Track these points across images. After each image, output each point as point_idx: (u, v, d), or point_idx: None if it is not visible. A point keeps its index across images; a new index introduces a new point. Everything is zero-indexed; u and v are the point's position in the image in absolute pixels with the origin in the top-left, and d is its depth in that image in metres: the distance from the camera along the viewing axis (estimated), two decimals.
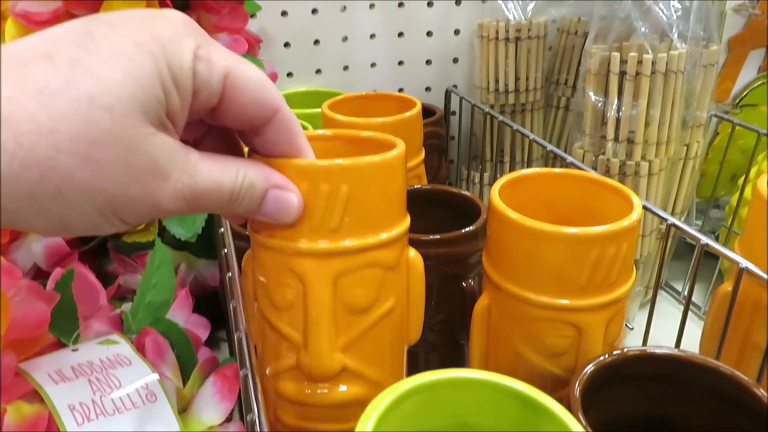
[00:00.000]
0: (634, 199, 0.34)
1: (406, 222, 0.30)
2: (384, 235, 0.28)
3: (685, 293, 0.59)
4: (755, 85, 0.59)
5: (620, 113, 0.48)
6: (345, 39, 0.66)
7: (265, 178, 0.25)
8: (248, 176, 0.24)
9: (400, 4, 0.66)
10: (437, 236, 0.42)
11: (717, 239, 0.66)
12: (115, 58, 0.20)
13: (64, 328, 0.34)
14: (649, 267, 0.60)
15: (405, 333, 0.33)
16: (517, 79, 0.64)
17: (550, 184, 0.38)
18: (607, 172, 0.50)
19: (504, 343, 0.37)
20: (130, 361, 0.32)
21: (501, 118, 0.58)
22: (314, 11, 0.64)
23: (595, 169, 0.50)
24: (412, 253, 0.31)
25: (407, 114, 0.50)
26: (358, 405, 0.28)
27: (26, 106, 0.18)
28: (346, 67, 0.67)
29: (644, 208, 0.40)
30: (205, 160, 0.23)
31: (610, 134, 0.49)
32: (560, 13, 0.66)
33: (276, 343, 0.31)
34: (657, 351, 0.30)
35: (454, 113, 0.72)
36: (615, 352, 0.31)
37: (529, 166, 0.64)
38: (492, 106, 0.65)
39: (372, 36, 0.67)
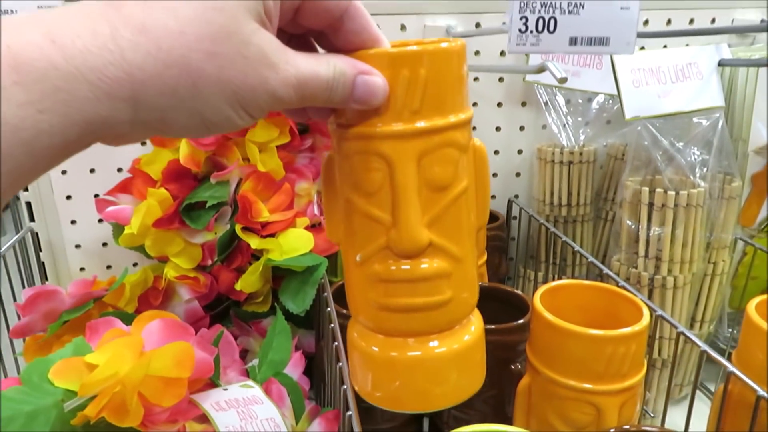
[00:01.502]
0: (645, 310, 0.45)
1: (471, 111, 0.33)
2: (456, 118, 0.31)
3: (714, 390, 0.67)
4: None
5: (649, 235, 0.58)
6: None
7: (352, 66, 0.28)
8: (338, 66, 0.28)
9: (473, 128, 0.80)
10: (492, 326, 0.53)
11: None
12: None
13: (215, 373, 0.46)
14: (681, 366, 0.68)
15: (475, 215, 0.35)
16: (569, 194, 0.75)
17: (582, 293, 0.49)
18: (638, 283, 0.60)
19: (540, 416, 0.47)
20: (262, 401, 0.44)
21: (552, 229, 0.69)
22: None
23: (628, 279, 0.60)
24: (478, 142, 0.35)
25: None
26: (443, 278, 0.33)
27: (157, 15, 0.23)
28: None
29: (660, 317, 0.50)
30: (300, 55, 0.27)
31: (641, 252, 0.59)
32: (610, 140, 0.78)
33: (366, 227, 0.33)
34: (646, 428, 0.40)
35: (515, 218, 0.83)
36: (625, 427, 0.41)
37: (578, 269, 0.75)
38: (547, 216, 0.77)
39: None
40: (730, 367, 0.43)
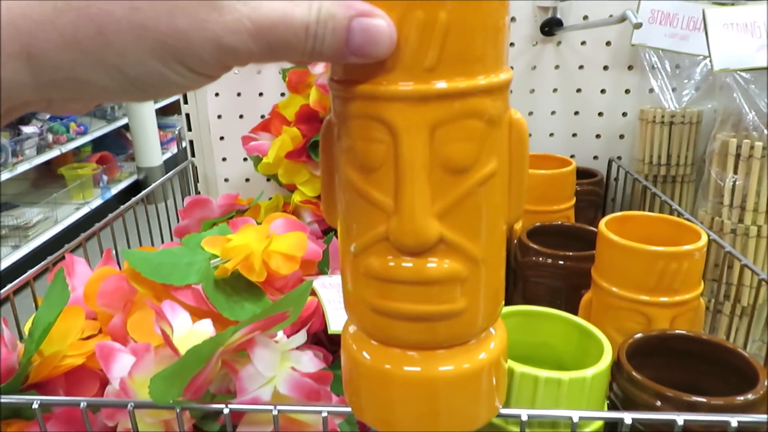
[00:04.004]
0: (703, 236, 0.49)
1: (509, 74, 0.27)
2: (486, 79, 0.25)
3: None
4: None
5: (735, 185, 0.61)
6: (531, 113, 0.86)
7: (345, 7, 0.22)
8: (324, 6, 0.22)
9: (578, 90, 0.84)
10: (569, 253, 0.59)
11: None
12: None
13: (324, 265, 0.57)
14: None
15: (505, 207, 0.29)
16: (669, 155, 0.78)
17: (649, 224, 0.53)
18: (720, 231, 0.63)
19: (598, 325, 0.52)
20: None
21: (644, 182, 0.73)
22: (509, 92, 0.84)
23: (711, 228, 0.63)
24: (517, 115, 0.28)
25: (564, 169, 0.68)
26: (455, 283, 0.27)
27: None
28: (530, 135, 0.87)
29: (729, 253, 0.53)
30: None
31: (726, 201, 0.62)
32: (718, 105, 0.79)
33: (363, 212, 0.27)
34: (682, 332, 0.44)
35: (616, 180, 0.87)
36: (661, 330, 0.46)
37: None
38: (646, 176, 0.80)
39: (553, 113, 0.86)
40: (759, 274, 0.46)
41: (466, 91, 0.25)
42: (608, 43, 0.82)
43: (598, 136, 0.86)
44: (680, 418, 0.33)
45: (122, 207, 0.66)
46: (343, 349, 0.32)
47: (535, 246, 0.60)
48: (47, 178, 3.20)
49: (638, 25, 0.48)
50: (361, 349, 0.30)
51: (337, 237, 0.34)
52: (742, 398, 0.37)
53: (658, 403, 0.38)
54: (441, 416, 0.29)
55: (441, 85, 0.24)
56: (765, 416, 0.33)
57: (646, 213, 0.54)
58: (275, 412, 0.34)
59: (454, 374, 0.29)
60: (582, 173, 0.80)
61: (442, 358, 0.29)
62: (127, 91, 0.21)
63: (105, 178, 3.30)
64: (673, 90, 0.79)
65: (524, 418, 0.34)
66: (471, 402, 0.30)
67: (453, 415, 0.30)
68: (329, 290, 0.52)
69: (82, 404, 0.35)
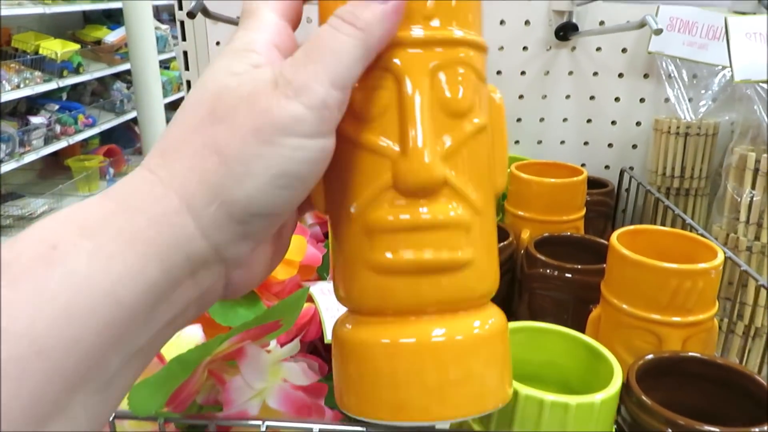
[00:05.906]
0: (719, 254, 0.47)
1: (486, 46, 0.29)
2: (474, 36, 0.28)
3: None
4: None
5: (752, 201, 0.59)
6: (542, 120, 0.84)
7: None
8: (333, 16, 0.25)
9: (592, 97, 0.82)
10: (578, 266, 0.57)
11: None
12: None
13: (323, 270, 0.55)
14: None
15: (492, 170, 0.30)
16: (683, 167, 0.75)
17: (662, 239, 0.51)
18: (735, 248, 0.60)
19: (606, 344, 0.49)
20: None
21: (656, 194, 0.70)
22: (521, 97, 0.83)
23: (725, 245, 0.61)
24: (497, 95, 0.31)
25: (574, 179, 0.66)
26: (461, 229, 0.28)
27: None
28: (539, 142, 0.85)
29: (744, 272, 0.51)
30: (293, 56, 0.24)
31: (742, 217, 0.60)
32: (734, 116, 0.77)
33: (365, 165, 0.28)
34: (696, 355, 0.42)
35: (627, 190, 0.85)
36: (674, 352, 0.44)
37: None
38: (659, 188, 0.78)
39: (565, 120, 0.84)
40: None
41: (461, 40, 0.28)
42: (624, 50, 0.80)
43: (610, 145, 0.84)
44: None
45: None
46: (335, 345, 0.30)
47: (542, 257, 0.58)
48: (54, 169, 3.19)
49: (658, 32, 0.46)
50: (346, 323, 0.30)
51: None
52: (757, 430, 0.35)
53: (669, 431, 0.36)
54: (448, 392, 0.27)
55: (439, 31, 0.27)
56: None
57: (660, 227, 0.52)
58: (263, 428, 0.32)
59: (444, 345, 0.28)
60: (593, 183, 0.77)
61: (436, 327, 0.28)
62: (268, 194, 0.23)
63: (111, 171, 3.29)
64: (690, 100, 0.77)
65: None
66: (478, 376, 0.28)
67: (461, 392, 0.28)
68: (327, 297, 0.50)
69: None
